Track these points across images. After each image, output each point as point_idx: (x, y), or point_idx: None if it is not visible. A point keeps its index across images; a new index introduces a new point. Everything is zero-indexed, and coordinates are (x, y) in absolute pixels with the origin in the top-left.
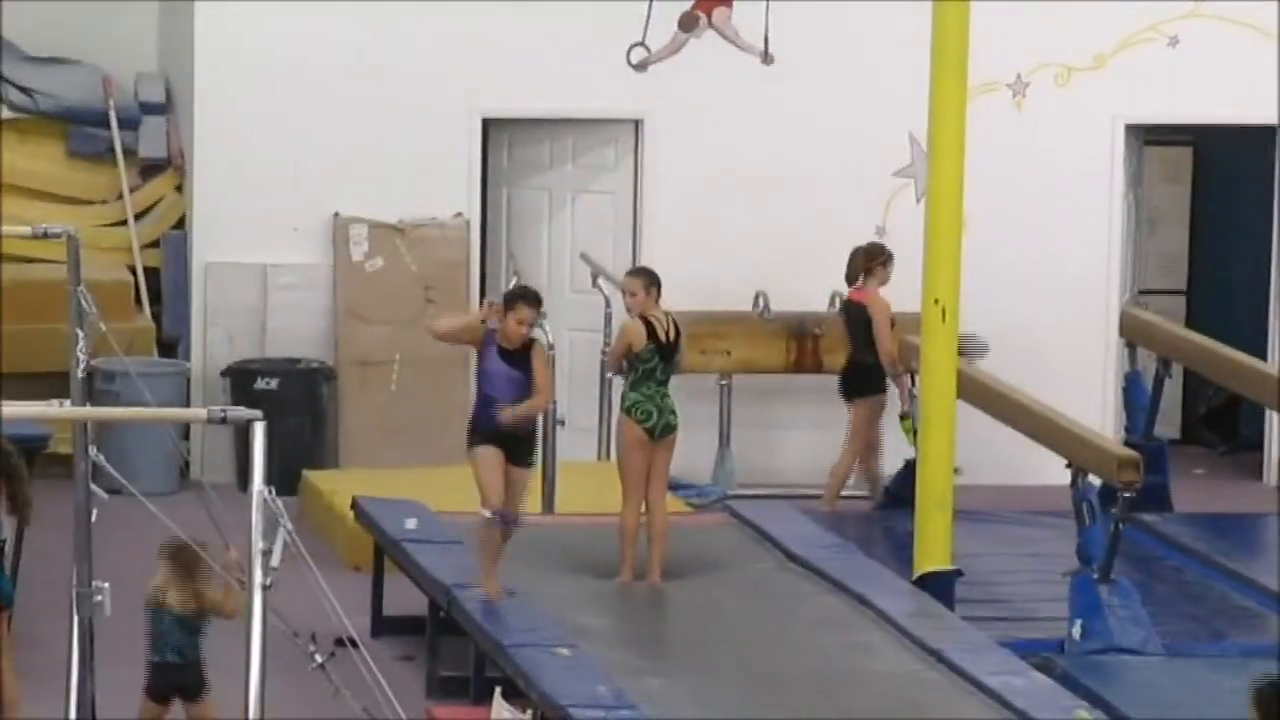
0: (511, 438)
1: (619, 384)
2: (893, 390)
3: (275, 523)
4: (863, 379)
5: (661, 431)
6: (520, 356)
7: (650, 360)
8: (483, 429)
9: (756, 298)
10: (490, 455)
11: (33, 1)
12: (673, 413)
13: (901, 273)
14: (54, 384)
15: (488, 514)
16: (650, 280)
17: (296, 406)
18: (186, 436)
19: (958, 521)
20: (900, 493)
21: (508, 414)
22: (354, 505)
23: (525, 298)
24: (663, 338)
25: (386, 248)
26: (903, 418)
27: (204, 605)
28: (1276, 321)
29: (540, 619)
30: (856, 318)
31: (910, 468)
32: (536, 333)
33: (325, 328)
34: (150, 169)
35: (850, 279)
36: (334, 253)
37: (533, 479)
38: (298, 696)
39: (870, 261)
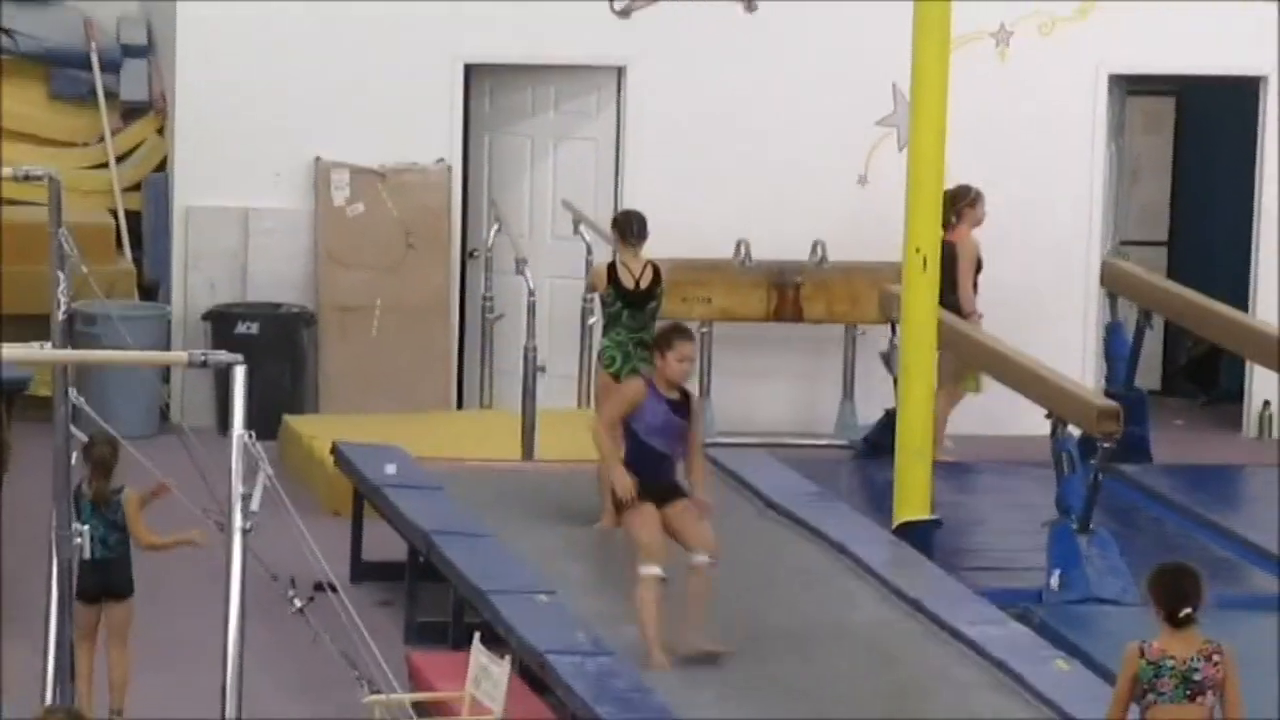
0: (671, 485)
1: (599, 332)
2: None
3: (255, 467)
4: None
5: (630, 378)
6: (680, 404)
7: (613, 304)
8: (644, 487)
9: (738, 246)
10: (648, 512)
11: None
12: (644, 360)
13: (883, 222)
14: (34, 326)
15: (652, 572)
16: (626, 226)
17: (277, 351)
18: (167, 380)
19: (937, 471)
20: (880, 441)
21: (704, 505)
22: (334, 450)
23: (680, 332)
24: (629, 284)
25: (368, 193)
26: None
27: (107, 498)
28: (1257, 273)
29: (519, 566)
30: (945, 259)
31: (890, 416)
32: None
33: (306, 272)
34: (132, 112)
35: (945, 223)
36: (315, 197)
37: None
38: (277, 641)
39: (956, 204)
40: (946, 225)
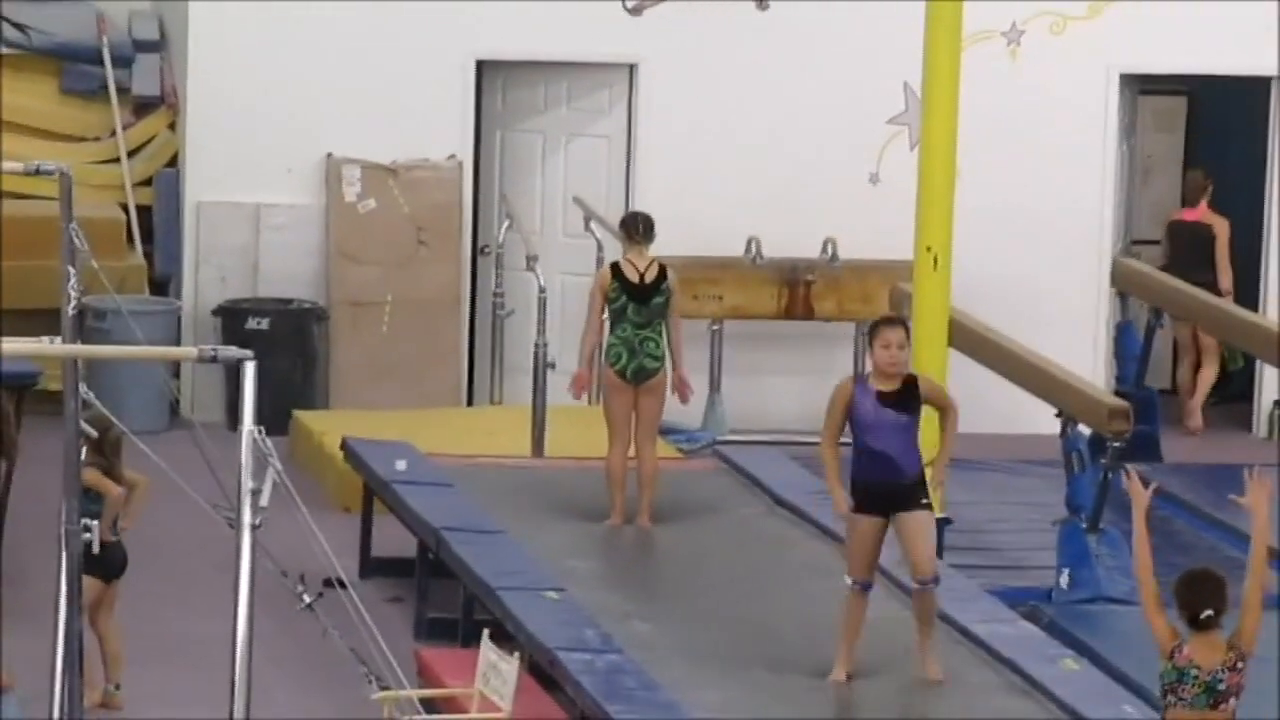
0: (898, 487)
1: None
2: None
3: (265, 463)
4: None
5: (636, 375)
6: (903, 396)
7: (617, 300)
8: (863, 489)
9: (749, 243)
10: (865, 526)
11: None
12: (651, 356)
13: (894, 221)
14: (45, 321)
15: (849, 581)
16: (633, 225)
17: (287, 346)
18: (177, 375)
19: (948, 469)
20: None
21: (940, 471)
22: (344, 446)
23: (885, 320)
24: (633, 278)
25: (379, 189)
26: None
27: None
28: (1268, 272)
29: (529, 562)
30: (1191, 238)
31: None
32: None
33: (317, 268)
34: (143, 107)
35: (1191, 201)
36: (327, 193)
37: (932, 522)
38: (286, 637)
39: (1208, 180)
40: (1192, 204)
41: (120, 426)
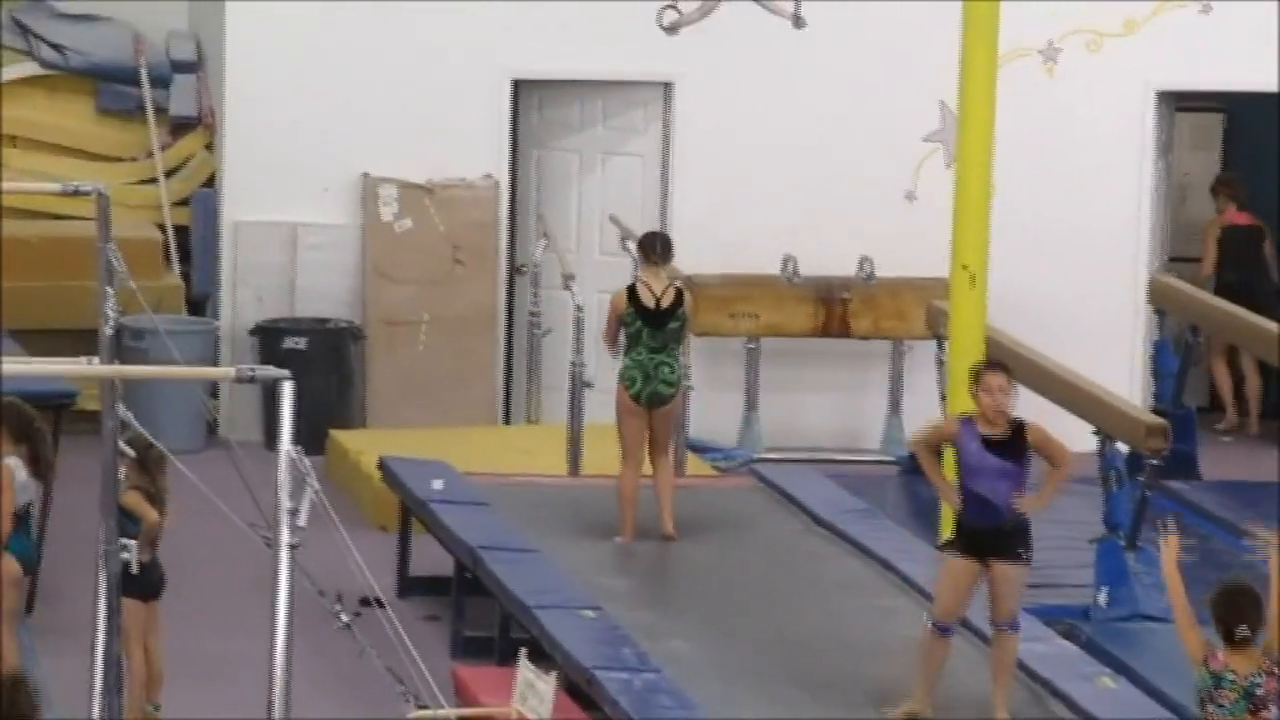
0: (998, 533)
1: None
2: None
3: (302, 482)
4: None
5: (650, 399)
6: (1010, 443)
7: (633, 324)
8: (965, 531)
9: (785, 262)
10: (959, 569)
11: None
12: (665, 382)
13: (930, 238)
14: (83, 341)
15: (926, 620)
16: (650, 246)
17: (324, 366)
18: (215, 394)
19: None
20: None
21: (1026, 503)
22: (381, 465)
23: (988, 365)
24: (649, 303)
25: (415, 208)
26: None
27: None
28: None
29: (565, 581)
30: (1246, 240)
31: None
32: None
33: (354, 287)
34: (180, 127)
35: (1243, 203)
36: (363, 213)
37: (1025, 576)
38: (324, 656)
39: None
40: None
41: (160, 446)
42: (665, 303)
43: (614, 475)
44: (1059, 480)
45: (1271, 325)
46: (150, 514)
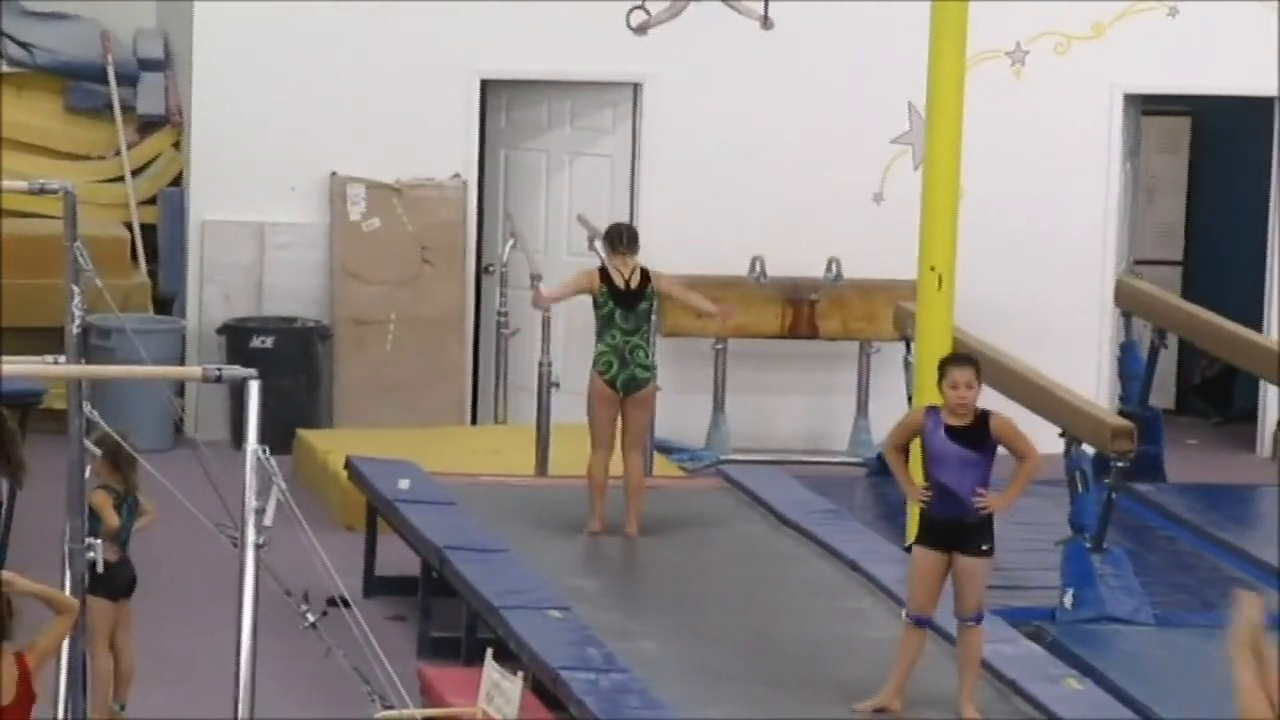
0: (959, 526)
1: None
2: None
3: (269, 481)
4: None
5: (626, 385)
6: (974, 433)
7: (605, 305)
8: (927, 522)
9: (753, 263)
10: (924, 559)
11: None
12: (641, 366)
13: (898, 240)
14: (49, 339)
15: (904, 616)
16: (617, 236)
17: (292, 365)
18: (181, 394)
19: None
20: None
21: (991, 502)
22: (348, 465)
23: (953, 359)
24: (620, 284)
25: (383, 208)
26: None
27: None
28: (1272, 293)
29: (532, 581)
30: None
31: None
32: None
33: (321, 287)
34: (148, 125)
35: None
36: (331, 212)
37: (988, 570)
38: (290, 655)
39: None
40: None
41: (128, 447)
42: (634, 284)
43: (583, 476)
44: (1026, 477)
45: (1234, 326)
46: (111, 518)
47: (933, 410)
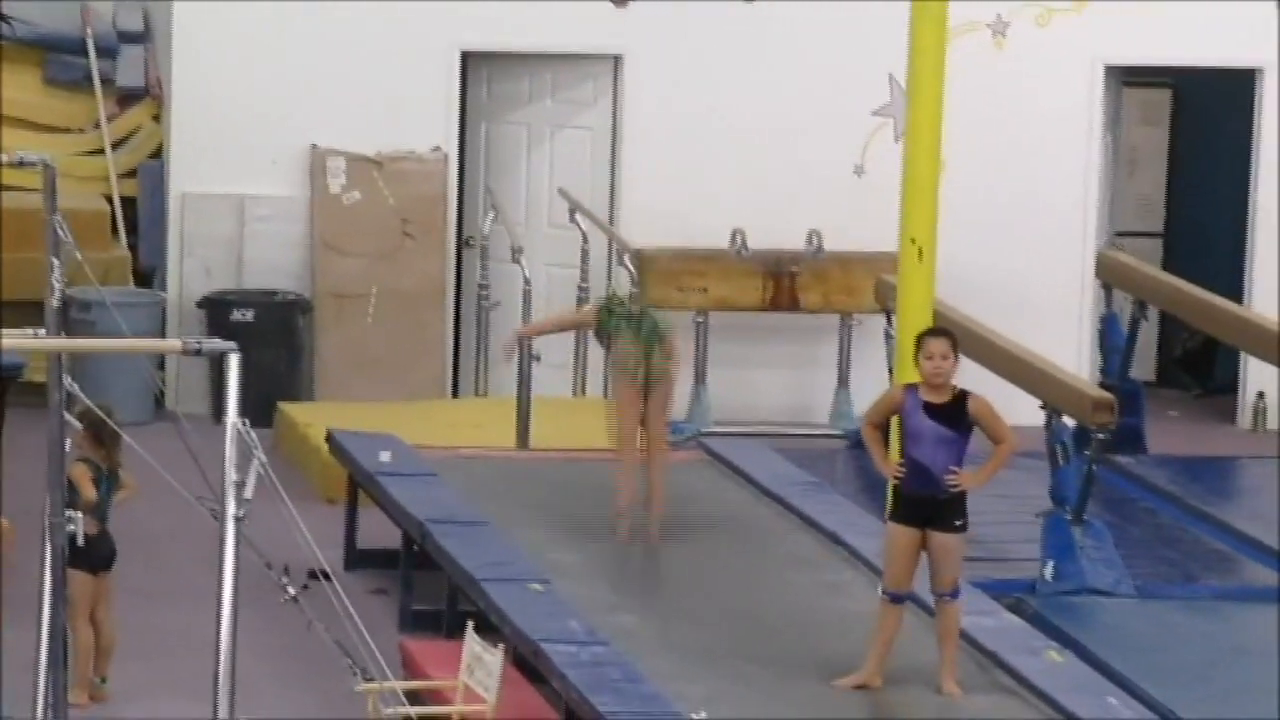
0: (933, 502)
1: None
2: None
3: (249, 454)
4: None
5: (648, 378)
6: (951, 411)
7: (611, 321)
8: (903, 499)
9: (734, 235)
10: (899, 535)
11: None
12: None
13: (879, 212)
14: (29, 313)
15: (879, 592)
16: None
17: (272, 338)
18: (162, 367)
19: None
20: None
21: (966, 480)
22: (329, 438)
23: (930, 331)
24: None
25: (364, 180)
26: None
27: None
28: (1253, 265)
29: (514, 554)
30: None
31: None
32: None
33: (302, 260)
34: (128, 98)
35: None
36: (311, 185)
37: (962, 546)
38: (270, 629)
39: None
40: None
41: (112, 424)
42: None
43: (563, 449)
44: (1000, 459)
45: (1215, 298)
46: (89, 492)
47: (911, 388)
